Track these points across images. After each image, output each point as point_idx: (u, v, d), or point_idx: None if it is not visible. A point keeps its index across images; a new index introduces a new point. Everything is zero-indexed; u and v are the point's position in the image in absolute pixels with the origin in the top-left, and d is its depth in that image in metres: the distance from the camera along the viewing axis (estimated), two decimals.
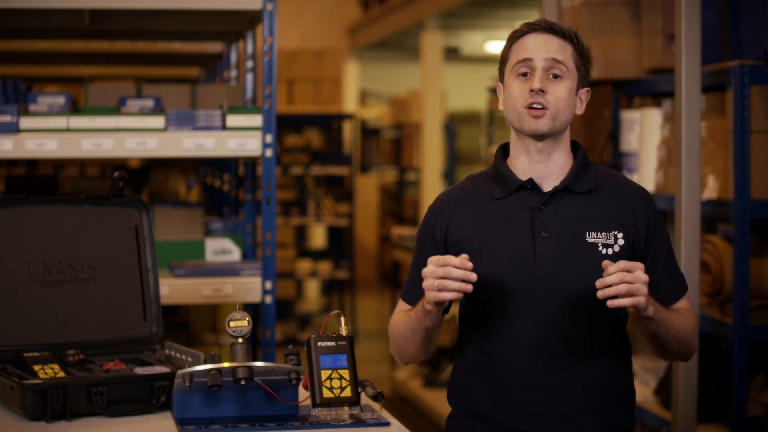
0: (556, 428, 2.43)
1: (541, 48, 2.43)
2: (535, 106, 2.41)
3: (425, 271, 2.31)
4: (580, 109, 2.50)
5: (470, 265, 2.29)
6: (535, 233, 2.44)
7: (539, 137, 2.45)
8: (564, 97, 2.42)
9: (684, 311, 2.50)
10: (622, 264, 2.25)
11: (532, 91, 2.41)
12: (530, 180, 2.48)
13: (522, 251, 2.43)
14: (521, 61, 2.43)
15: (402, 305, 2.58)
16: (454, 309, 2.67)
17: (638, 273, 2.25)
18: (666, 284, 2.50)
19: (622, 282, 2.23)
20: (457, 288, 2.28)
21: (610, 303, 2.25)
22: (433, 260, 2.31)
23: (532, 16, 9.58)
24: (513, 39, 2.48)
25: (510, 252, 2.44)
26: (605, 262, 2.26)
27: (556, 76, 2.42)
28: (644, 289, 2.25)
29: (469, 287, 2.28)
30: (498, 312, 2.44)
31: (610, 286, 2.24)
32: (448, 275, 2.27)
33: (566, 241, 2.43)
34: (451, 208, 2.53)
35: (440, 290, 2.29)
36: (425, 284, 2.31)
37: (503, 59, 2.50)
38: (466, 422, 2.53)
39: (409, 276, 2.60)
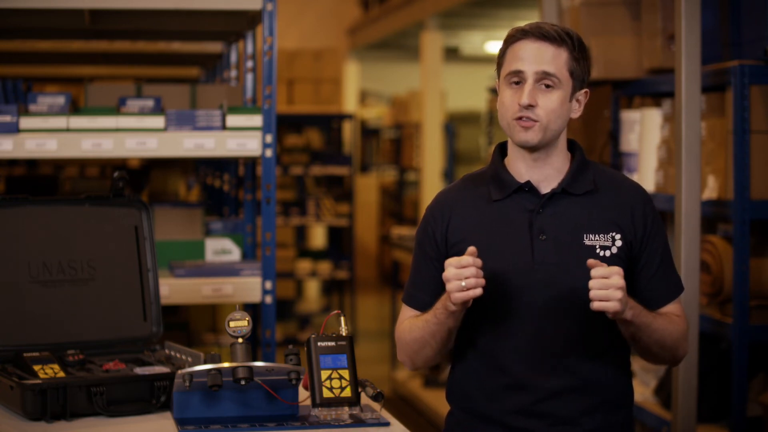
0: (554, 428, 2.43)
1: (533, 59, 2.40)
2: (523, 119, 2.40)
3: (448, 274, 2.30)
4: (576, 113, 2.47)
5: (480, 262, 2.31)
6: (534, 236, 2.43)
7: (530, 148, 2.44)
8: (555, 108, 2.40)
9: (672, 316, 2.49)
10: (600, 270, 2.27)
11: (521, 105, 2.40)
12: (528, 183, 2.47)
13: (520, 253, 2.43)
14: (512, 72, 2.42)
15: (407, 311, 2.57)
16: None
17: (614, 278, 2.27)
18: (658, 286, 2.49)
19: (598, 287, 2.27)
20: (482, 284, 2.30)
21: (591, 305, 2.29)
22: (452, 263, 2.31)
23: (532, 16, 9.58)
24: (507, 43, 2.46)
25: (508, 254, 2.44)
26: (590, 261, 2.29)
27: (548, 86, 2.40)
28: (617, 294, 2.26)
29: (482, 281, 2.31)
30: (497, 313, 2.44)
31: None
32: (473, 275, 2.29)
33: (564, 244, 2.43)
34: (449, 209, 2.52)
35: (468, 289, 2.29)
36: (451, 286, 2.30)
37: (498, 63, 2.49)
38: (465, 421, 2.53)
39: (410, 279, 2.59)
